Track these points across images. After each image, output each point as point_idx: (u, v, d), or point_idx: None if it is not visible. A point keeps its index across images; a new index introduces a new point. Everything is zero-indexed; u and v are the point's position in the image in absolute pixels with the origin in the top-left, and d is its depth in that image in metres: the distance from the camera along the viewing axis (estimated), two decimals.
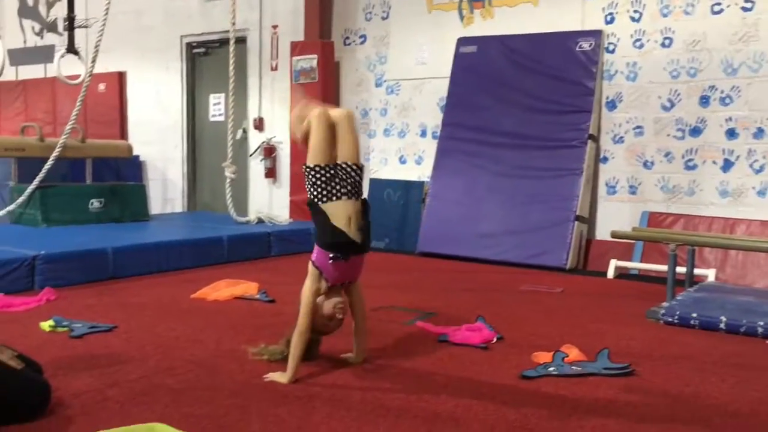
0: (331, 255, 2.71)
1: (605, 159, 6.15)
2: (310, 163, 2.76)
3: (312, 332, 2.79)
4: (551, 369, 2.93)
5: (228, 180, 6.78)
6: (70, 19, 6.48)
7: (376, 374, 2.85)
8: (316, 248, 2.78)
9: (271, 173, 8.08)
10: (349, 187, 2.76)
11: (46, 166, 6.05)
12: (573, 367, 2.95)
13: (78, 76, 6.45)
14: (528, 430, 2.29)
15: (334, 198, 2.72)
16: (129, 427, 2.16)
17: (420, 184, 6.86)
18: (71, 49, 6.36)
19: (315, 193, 2.74)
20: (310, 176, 2.75)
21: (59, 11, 9.50)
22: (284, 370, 2.73)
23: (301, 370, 2.80)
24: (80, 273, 4.70)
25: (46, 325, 3.48)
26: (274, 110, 8.09)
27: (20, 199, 6.12)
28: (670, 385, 2.80)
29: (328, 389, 2.65)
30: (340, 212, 2.71)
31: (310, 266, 2.78)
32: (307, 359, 2.82)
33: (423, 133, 7.16)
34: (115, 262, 4.93)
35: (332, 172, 2.75)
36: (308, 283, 2.75)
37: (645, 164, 5.97)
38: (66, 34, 6.53)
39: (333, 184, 2.73)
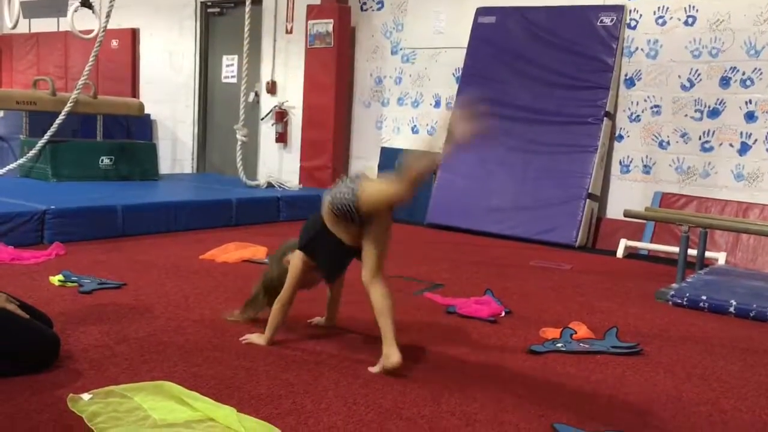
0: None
1: (620, 137, 6.09)
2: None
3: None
4: (559, 345, 2.92)
5: (239, 143, 6.75)
6: None
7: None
8: None
9: (282, 138, 8.04)
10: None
11: (58, 121, 6.03)
12: (581, 344, 2.94)
13: (91, 31, 6.39)
14: (535, 405, 2.29)
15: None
16: (137, 384, 2.16)
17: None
18: (85, 2, 6.29)
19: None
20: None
21: None
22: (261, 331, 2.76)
23: (307, 337, 2.81)
24: (89, 229, 4.71)
25: (55, 279, 3.49)
26: (287, 74, 8.01)
27: (30, 153, 6.11)
28: (677, 366, 2.79)
29: (336, 357, 2.65)
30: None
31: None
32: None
33: (437, 104, 7.09)
34: (124, 219, 4.93)
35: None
36: (297, 261, 2.71)
37: (660, 144, 5.91)
38: None
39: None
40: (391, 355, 2.47)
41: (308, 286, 2.87)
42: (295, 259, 2.72)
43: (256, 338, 2.74)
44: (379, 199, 2.57)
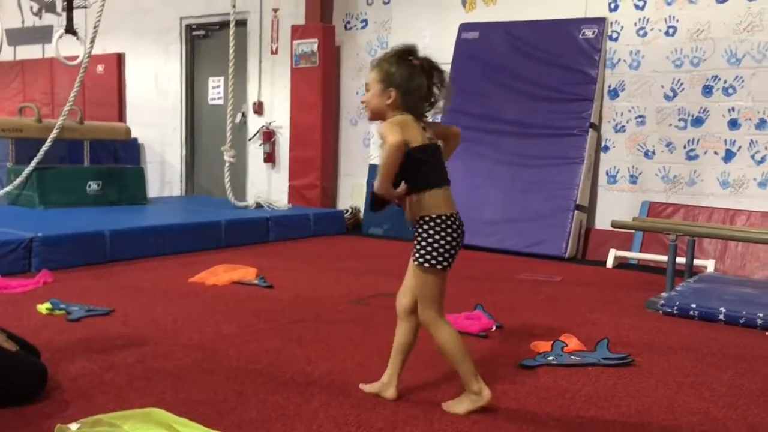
0: None
1: (606, 148, 6.12)
2: None
3: None
4: (550, 358, 2.92)
5: (227, 164, 6.75)
6: None
7: (373, 362, 2.84)
8: None
9: (270, 158, 8.04)
10: None
11: (44, 148, 6.02)
12: (572, 357, 2.94)
13: (76, 57, 6.39)
14: (528, 420, 2.28)
15: None
16: (126, 411, 2.14)
17: None
18: (69, 29, 6.30)
19: None
20: None
21: None
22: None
23: (298, 359, 2.80)
24: (77, 255, 4.69)
25: (43, 307, 3.47)
26: (273, 94, 8.03)
27: (17, 181, 6.09)
28: (669, 376, 2.79)
29: (326, 377, 2.64)
30: None
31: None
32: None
33: None
34: (112, 244, 4.91)
35: None
36: (397, 147, 2.23)
37: (646, 154, 5.94)
38: (64, 14, 6.46)
39: None
40: (389, 389, 2.43)
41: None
42: (394, 145, 2.22)
43: None
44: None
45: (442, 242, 2.30)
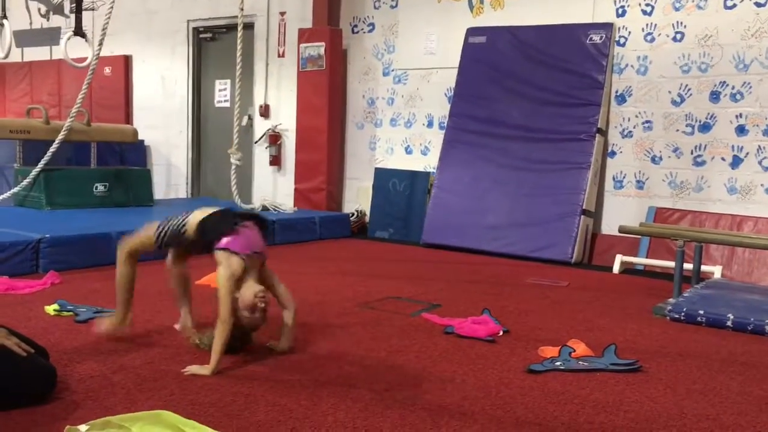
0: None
1: (613, 153, 6.12)
2: None
3: (237, 328, 2.76)
4: (558, 364, 2.91)
5: (233, 167, 6.76)
6: (78, 1, 6.43)
7: (382, 365, 2.84)
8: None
9: (276, 161, 8.05)
10: None
11: (51, 149, 6.03)
12: (580, 362, 2.94)
13: (84, 59, 6.41)
14: (535, 425, 2.28)
15: None
16: (135, 413, 2.15)
17: (426, 175, 6.83)
18: (78, 31, 6.31)
19: None
20: None
21: None
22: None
23: (306, 362, 2.79)
24: (84, 257, 4.69)
25: (50, 309, 3.47)
26: (280, 97, 8.05)
27: (25, 182, 6.11)
28: (677, 383, 2.79)
29: (335, 380, 2.64)
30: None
31: (219, 254, 2.88)
32: (232, 352, 2.79)
33: (430, 124, 7.12)
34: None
35: None
36: (222, 270, 2.80)
37: (653, 159, 5.94)
38: (72, 16, 6.48)
39: None
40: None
41: (251, 325, 2.85)
42: (221, 269, 2.90)
43: (199, 369, 2.65)
44: None
45: None
